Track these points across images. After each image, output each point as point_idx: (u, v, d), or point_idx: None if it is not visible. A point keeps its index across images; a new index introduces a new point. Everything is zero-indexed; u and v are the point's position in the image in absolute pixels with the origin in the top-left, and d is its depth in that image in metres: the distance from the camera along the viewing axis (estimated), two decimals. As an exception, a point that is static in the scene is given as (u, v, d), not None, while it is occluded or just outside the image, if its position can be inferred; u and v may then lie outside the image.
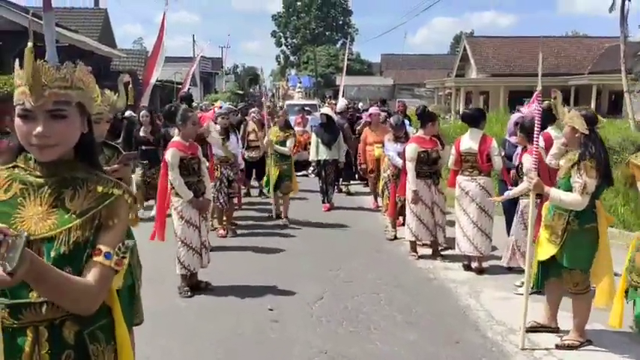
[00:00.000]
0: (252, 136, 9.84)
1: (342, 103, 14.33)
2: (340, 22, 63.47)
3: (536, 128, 3.79)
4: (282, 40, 64.51)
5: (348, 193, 10.62)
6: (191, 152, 4.76)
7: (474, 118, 5.61)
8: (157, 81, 28.09)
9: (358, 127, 11.20)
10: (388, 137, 7.25)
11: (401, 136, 7.05)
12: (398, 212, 7.13)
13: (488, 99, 34.00)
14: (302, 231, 7.33)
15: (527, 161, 4.83)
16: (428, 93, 44.68)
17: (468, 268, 5.70)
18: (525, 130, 4.87)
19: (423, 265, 5.90)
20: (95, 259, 1.50)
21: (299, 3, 62.02)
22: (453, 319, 4.44)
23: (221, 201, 6.91)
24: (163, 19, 15.88)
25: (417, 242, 6.21)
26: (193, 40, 50.17)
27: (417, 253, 6.19)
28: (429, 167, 6.02)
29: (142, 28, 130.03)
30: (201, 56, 47.33)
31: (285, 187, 7.78)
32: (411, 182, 6.02)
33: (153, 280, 5.10)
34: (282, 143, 7.77)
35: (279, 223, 7.68)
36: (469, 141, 5.54)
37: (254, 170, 10.03)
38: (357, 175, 11.78)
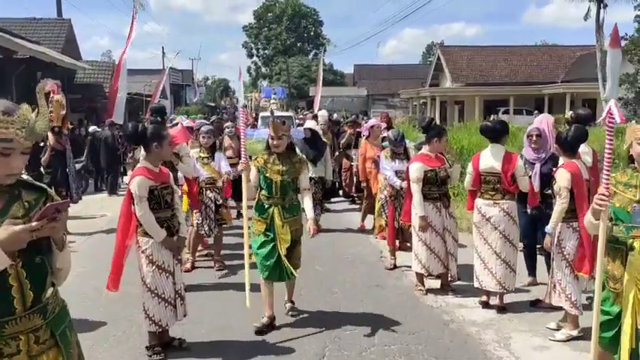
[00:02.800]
0: (229, 153, 8.98)
1: (323, 114, 13.55)
2: (312, 34, 62.97)
3: (607, 142, 2.88)
4: (254, 51, 63.70)
5: (327, 210, 9.82)
6: (162, 180, 3.86)
7: (496, 132, 4.84)
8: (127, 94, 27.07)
9: (342, 141, 10.45)
10: (385, 153, 6.46)
11: (400, 153, 6.27)
12: (395, 236, 6.36)
13: (463, 108, 33.77)
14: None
15: (563, 179, 4.09)
16: (402, 103, 44.39)
17: (486, 305, 4.92)
18: (567, 143, 4.15)
19: (434, 303, 5.09)
20: None
21: (270, 14, 61.34)
22: (487, 380, 3.63)
23: (205, 229, 6.02)
24: (131, 26, 15.14)
25: (426, 275, 5.41)
26: (163, 52, 48.69)
27: (424, 287, 5.39)
28: (437, 188, 5.24)
29: (111, 41, 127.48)
30: (171, 68, 46.44)
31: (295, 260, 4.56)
32: (417, 207, 5.21)
33: (113, 339, 4.19)
34: (290, 183, 4.40)
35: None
36: (490, 159, 4.77)
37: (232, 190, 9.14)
38: (340, 192, 11.01)
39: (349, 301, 5.12)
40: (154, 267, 3.75)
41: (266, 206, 4.41)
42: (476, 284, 4.90)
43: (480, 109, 31.42)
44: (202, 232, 6.06)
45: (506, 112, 30.86)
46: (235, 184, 9.10)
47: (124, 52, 16.24)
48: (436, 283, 5.46)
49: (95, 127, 13.66)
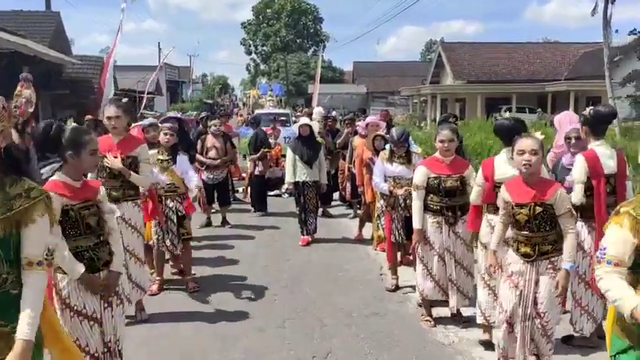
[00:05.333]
0: (212, 153, 8.16)
1: (319, 111, 12.79)
2: (311, 30, 62.05)
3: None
4: (252, 48, 62.84)
5: (329, 215, 9.03)
6: (84, 197, 2.91)
7: (515, 132, 3.94)
8: (118, 90, 26.27)
9: (339, 141, 9.60)
10: (382, 155, 5.58)
11: (401, 155, 5.39)
12: (395, 252, 5.52)
13: (464, 106, 32.95)
14: (275, 280, 5.62)
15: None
16: (402, 101, 43.56)
17: (489, 345, 4.05)
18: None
19: (444, 338, 4.24)
20: None
21: (269, 10, 60.42)
22: None
23: (167, 244, 5.15)
24: (120, 22, 14.95)
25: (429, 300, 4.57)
26: (159, 48, 47.81)
27: (431, 317, 4.55)
28: (439, 200, 4.39)
29: (110, 37, 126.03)
30: (168, 64, 45.61)
31: None
32: (415, 218, 4.43)
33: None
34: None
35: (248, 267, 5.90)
36: (508, 166, 3.86)
37: (215, 194, 8.32)
38: (336, 195, 10.16)
39: (342, 335, 4.27)
40: (71, 313, 2.84)
41: None
42: (480, 320, 4.03)
43: (482, 107, 30.64)
44: (163, 248, 5.18)
45: (509, 110, 30.09)
46: (219, 188, 8.35)
47: (114, 47, 16.00)
48: (446, 310, 4.63)
49: (75, 124, 12.78)
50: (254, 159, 9.41)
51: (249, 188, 9.83)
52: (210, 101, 53.17)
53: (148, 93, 23.85)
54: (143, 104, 19.97)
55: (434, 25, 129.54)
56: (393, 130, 5.49)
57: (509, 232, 3.50)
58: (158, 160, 5.18)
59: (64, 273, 2.85)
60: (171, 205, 5.15)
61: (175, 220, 5.14)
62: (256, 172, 9.40)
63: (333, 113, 18.58)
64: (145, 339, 4.12)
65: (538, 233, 3.28)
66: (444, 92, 33.72)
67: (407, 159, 5.38)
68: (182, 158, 5.32)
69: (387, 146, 5.60)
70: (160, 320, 4.47)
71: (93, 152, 2.91)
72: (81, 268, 2.82)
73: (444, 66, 36.59)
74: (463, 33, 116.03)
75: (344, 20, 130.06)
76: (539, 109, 28.73)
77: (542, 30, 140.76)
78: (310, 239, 7.29)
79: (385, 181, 5.37)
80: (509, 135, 3.85)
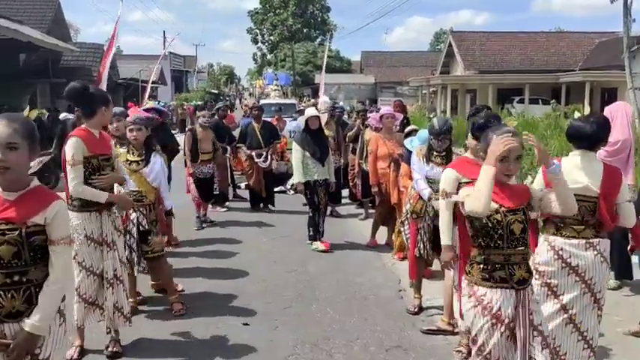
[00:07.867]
0: (206, 146, 7.40)
1: (325, 100, 11.95)
2: (318, 19, 61.00)
3: None
4: (259, 37, 61.82)
5: (337, 216, 8.24)
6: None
7: (595, 137, 3.09)
8: (120, 79, 25.46)
9: (350, 133, 8.75)
10: (419, 151, 4.67)
11: (441, 151, 4.47)
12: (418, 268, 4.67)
13: (475, 97, 31.94)
14: (277, 299, 4.82)
15: None
16: (411, 91, 42.55)
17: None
18: None
19: (485, 381, 3.44)
20: None
21: (276, -1, 59.44)
22: None
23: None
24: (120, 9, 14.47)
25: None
26: (164, 37, 46.82)
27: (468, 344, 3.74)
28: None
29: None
30: (173, 53, 44.73)
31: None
32: (444, 233, 3.54)
33: None
34: None
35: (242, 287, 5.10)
36: (581, 174, 3.05)
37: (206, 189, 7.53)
38: (345, 192, 9.30)
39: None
40: None
41: None
42: None
43: (494, 98, 29.63)
44: None
45: (521, 101, 29.10)
46: (208, 183, 7.55)
47: (114, 35, 15.57)
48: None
49: (66, 113, 11.98)
50: (269, 152, 8.60)
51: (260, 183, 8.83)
52: (215, 91, 52.33)
53: (159, 83, 23.04)
54: (147, 94, 19.20)
55: (441, 15, 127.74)
56: (435, 120, 4.56)
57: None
58: (127, 160, 4.29)
59: None
60: (132, 217, 4.22)
61: (136, 235, 4.23)
62: (274, 166, 8.72)
63: (340, 104, 17.73)
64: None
65: None
66: (454, 82, 32.72)
67: (447, 159, 4.42)
68: (156, 160, 4.35)
69: (415, 140, 4.74)
70: (137, 355, 3.67)
71: None
72: None
73: (454, 56, 35.54)
74: (471, 23, 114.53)
75: (353, 10, 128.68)
76: (554, 100, 27.67)
77: (553, 20, 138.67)
78: (329, 244, 6.46)
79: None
80: (589, 140, 3.09)
